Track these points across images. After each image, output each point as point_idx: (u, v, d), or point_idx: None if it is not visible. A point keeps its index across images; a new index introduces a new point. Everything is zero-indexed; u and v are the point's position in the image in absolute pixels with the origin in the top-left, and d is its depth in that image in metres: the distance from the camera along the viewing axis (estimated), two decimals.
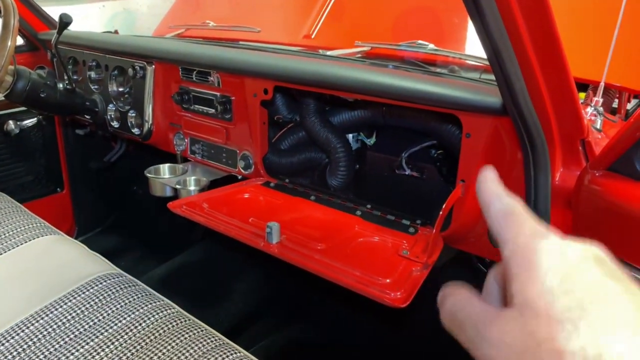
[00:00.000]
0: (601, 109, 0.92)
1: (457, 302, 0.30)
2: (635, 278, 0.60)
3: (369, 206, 1.13)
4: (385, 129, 1.24)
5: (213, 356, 0.87)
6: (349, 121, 1.23)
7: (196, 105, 1.38)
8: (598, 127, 0.91)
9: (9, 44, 1.25)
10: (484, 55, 0.70)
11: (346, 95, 1.10)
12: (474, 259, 1.35)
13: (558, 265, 0.25)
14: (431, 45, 1.16)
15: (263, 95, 1.19)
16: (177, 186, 1.36)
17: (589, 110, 0.92)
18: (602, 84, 0.91)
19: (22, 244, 1.17)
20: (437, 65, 1.24)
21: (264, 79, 1.18)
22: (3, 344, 0.89)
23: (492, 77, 0.88)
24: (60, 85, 1.47)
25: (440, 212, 0.89)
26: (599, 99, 0.91)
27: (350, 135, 1.29)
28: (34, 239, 1.19)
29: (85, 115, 1.62)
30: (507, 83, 0.69)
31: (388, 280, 0.84)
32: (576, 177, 0.76)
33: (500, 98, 0.79)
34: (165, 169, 1.47)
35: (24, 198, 1.81)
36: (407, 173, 1.14)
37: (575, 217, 0.72)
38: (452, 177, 1.09)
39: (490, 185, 0.31)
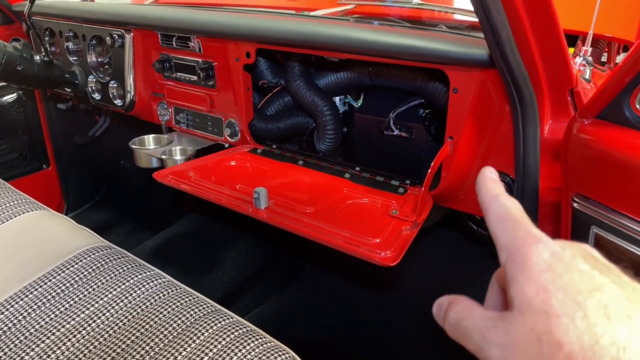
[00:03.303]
0: (590, 58, 0.90)
1: (459, 311, 0.32)
2: (625, 230, 0.60)
3: (357, 168, 1.12)
4: (372, 90, 1.21)
5: (206, 322, 0.86)
6: (335, 83, 1.20)
7: (178, 73, 1.35)
8: (587, 77, 0.89)
9: None
10: (471, 8, 0.67)
11: (331, 54, 1.07)
12: (464, 217, 1.35)
13: (551, 265, 0.27)
14: (416, 0, 1.13)
15: (245, 59, 1.16)
16: (163, 156, 1.33)
17: (578, 60, 0.90)
18: (590, 32, 0.89)
19: (7, 221, 1.15)
20: (424, 22, 1.20)
21: (246, 41, 1.14)
22: None
23: (479, 34, 0.86)
24: (37, 58, 1.43)
25: (429, 170, 0.88)
26: (587, 48, 0.89)
27: (337, 98, 1.27)
28: (19, 215, 1.17)
29: (66, 88, 1.58)
30: (494, 31, 0.66)
31: (377, 240, 0.84)
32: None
33: (487, 50, 0.77)
34: (150, 139, 1.44)
35: (9, 176, 1.78)
36: (395, 133, 1.12)
37: (563, 168, 0.71)
38: (441, 135, 1.08)
39: (489, 185, 0.33)
